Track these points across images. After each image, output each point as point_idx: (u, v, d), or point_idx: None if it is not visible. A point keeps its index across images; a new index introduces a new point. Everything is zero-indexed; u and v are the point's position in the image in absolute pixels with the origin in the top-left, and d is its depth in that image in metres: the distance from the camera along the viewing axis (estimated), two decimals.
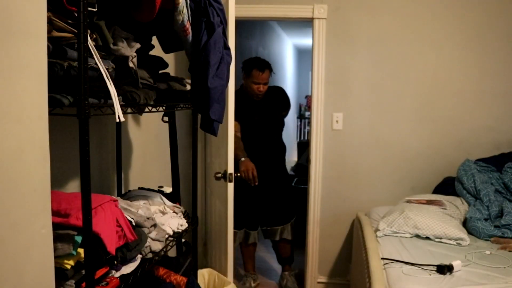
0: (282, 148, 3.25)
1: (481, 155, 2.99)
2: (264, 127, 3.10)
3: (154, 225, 1.59)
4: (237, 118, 2.58)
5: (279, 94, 3.22)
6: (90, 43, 1.16)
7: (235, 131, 2.65)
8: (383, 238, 2.33)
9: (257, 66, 2.91)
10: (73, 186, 1.62)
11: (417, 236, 2.33)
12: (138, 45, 1.50)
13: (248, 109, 2.99)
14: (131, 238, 1.36)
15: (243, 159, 2.86)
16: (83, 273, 1.17)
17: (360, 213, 2.95)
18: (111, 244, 1.24)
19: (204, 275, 2.48)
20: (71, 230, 1.16)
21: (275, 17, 3.24)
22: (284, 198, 3.19)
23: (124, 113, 1.48)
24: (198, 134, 2.03)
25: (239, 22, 3.31)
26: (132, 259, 1.42)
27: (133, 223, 1.43)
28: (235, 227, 2.71)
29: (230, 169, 2.44)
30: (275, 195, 3.13)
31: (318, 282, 3.32)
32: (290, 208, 3.22)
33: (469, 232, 2.38)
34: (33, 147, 0.93)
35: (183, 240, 2.18)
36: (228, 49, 1.79)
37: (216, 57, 1.70)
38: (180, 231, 1.81)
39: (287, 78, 8.33)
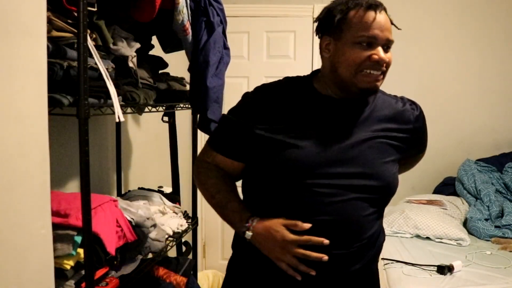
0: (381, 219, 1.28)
1: (482, 155, 2.98)
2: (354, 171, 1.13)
3: (154, 225, 1.59)
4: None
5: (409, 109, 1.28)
6: (90, 43, 1.15)
7: (215, 163, 1.19)
8: None
9: (364, 4, 1.14)
10: (73, 186, 1.62)
11: (418, 236, 2.32)
12: (138, 45, 1.50)
13: (316, 124, 1.17)
14: (131, 238, 1.36)
15: (251, 227, 1.08)
16: (83, 273, 1.17)
17: None
18: (111, 244, 1.24)
19: (208, 276, 2.48)
20: (71, 230, 1.16)
21: (275, 16, 3.23)
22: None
23: (124, 113, 1.48)
24: (198, 134, 2.03)
25: None
26: (132, 260, 1.42)
27: (133, 223, 1.43)
28: None
29: None
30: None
31: None
32: None
33: (470, 232, 2.37)
34: (33, 147, 0.93)
35: (183, 240, 2.18)
36: (228, 49, 1.79)
37: (215, 57, 1.70)
38: (180, 231, 1.81)
39: None
